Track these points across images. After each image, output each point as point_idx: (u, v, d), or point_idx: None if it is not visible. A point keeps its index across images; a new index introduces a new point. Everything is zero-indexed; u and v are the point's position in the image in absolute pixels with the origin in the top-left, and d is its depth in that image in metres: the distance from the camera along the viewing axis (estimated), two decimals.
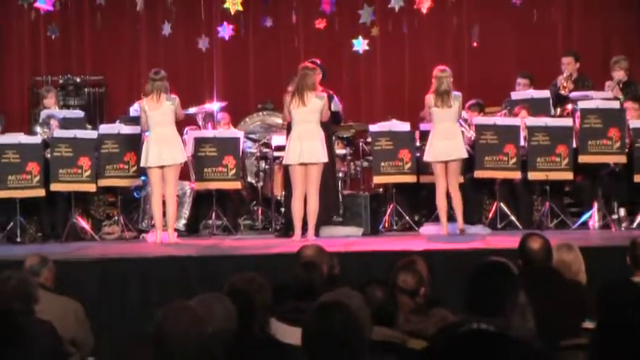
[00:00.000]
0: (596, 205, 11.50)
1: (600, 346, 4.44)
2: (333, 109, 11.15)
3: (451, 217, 11.16)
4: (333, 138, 11.81)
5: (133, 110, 11.92)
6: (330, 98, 11.04)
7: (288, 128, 10.88)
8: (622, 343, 4.39)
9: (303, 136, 10.46)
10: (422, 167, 11.50)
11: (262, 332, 5.35)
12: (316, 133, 10.50)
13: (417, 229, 11.59)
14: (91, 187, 11.44)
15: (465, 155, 10.84)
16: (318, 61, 11.51)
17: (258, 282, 5.46)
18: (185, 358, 4.13)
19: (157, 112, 10.51)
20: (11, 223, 11.27)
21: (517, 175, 11.60)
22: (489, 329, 4.48)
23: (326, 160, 10.61)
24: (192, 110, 12.12)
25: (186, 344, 4.10)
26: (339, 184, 12.19)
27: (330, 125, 11.20)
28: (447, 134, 10.66)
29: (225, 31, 13.64)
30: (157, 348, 4.12)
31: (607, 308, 4.69)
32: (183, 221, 11.62)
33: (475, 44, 14.11)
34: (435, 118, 10.67)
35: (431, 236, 10.95)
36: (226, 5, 13.22)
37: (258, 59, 14.72)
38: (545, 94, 12.32)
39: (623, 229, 11.24)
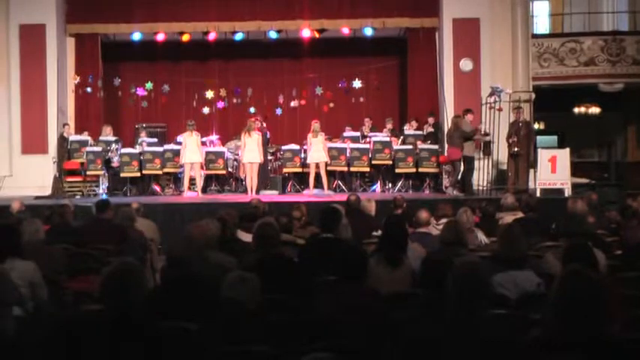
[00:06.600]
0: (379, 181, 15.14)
1: (384, 243, 5.48)
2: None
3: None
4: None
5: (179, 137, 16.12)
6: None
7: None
8: (396, 238, 5.51)
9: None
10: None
11: (232, 236, 6.44)
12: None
13: (301, 191, 14.96)
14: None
15: None
16: None
17: (232, 213, 6.92)
18: (200, 244, 5.25)
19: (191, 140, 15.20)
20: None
21: None
22: (330, 236, 5.94)
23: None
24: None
25: (201, 238, 5.32)
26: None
27: None
28: None
29: None
30: (187, 241, 5.32)
31: (387, 223, 5.72)
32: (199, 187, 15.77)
33: None
34: None
35: (309, 195, 14.79)
36: None
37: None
38: None
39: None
